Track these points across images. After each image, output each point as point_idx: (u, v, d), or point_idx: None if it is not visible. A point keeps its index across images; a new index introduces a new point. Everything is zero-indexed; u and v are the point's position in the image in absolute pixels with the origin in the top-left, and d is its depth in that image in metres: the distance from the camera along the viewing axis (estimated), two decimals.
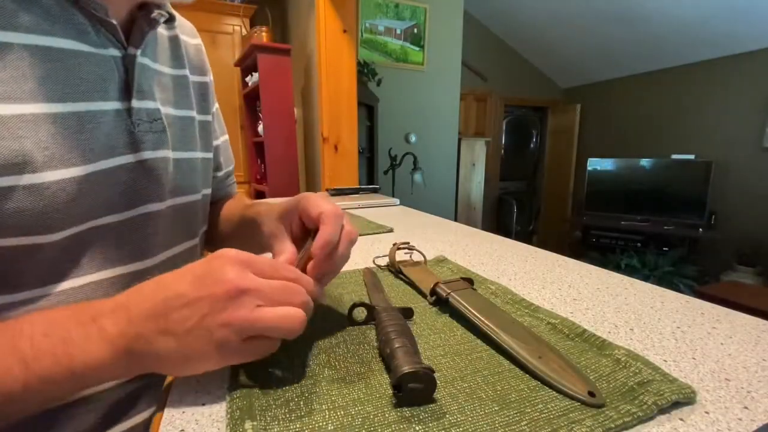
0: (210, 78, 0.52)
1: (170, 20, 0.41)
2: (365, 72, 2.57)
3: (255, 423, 0.24)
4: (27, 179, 0.27)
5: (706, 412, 0.26)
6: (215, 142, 0.54)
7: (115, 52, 0.34)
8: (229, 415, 0.24)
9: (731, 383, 0.29)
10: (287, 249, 0.35)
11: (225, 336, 0.25)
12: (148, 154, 0.36)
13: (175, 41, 0.43)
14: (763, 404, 0.26)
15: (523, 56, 4.62)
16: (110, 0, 0.32)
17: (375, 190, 1.57)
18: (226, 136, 0.60)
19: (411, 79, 2.89)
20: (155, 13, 0.37)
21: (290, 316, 0.26)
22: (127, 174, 0.35)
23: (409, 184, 2.77)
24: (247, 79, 2.43)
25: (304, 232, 0.37)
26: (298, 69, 2.42)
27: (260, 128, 2.25)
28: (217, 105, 0.56)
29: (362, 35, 2.69)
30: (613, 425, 0.23)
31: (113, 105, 0.33)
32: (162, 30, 0.41)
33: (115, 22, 0.33)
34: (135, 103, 0.35)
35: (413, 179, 2.64)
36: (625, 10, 3.23)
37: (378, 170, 2.64)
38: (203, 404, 0.27)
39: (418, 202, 2.70)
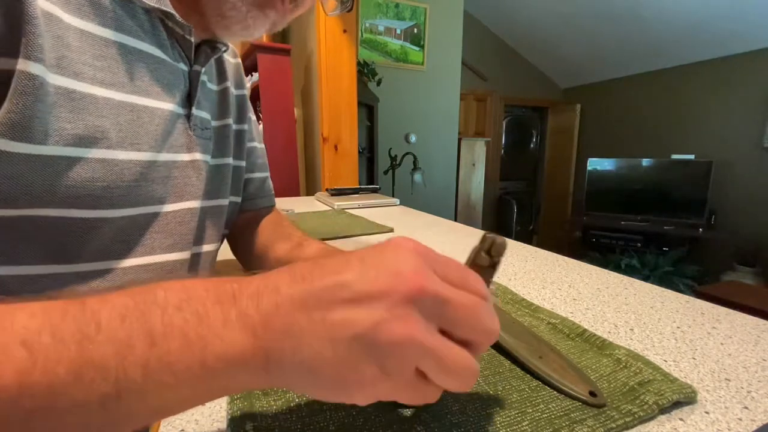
0: (246, 91, 0.57)
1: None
2: (365, 72, 2.57)
3: (256, 423, 0.24)
4: (102, 153, 0.31)
5: (706, 412, 0.26)
6: (250, 145, 0.57)
7: (183, 67, 0.40)
8: (230, 416, 0.24)
9: (731, 383, 0.29)
10: None
11: (403, 356, 0.18)
12: (198, 156, 0.41)
13: (219, 60, 0.50)
14: (763, 404, 0.26)
15: (523, 56, 4.62)
16: (191, 25, 0.38)
17: (375, 190, 1.57)
18: (263, 145, 0.62)
19: (411, 79, 2.89)
20: (220, 44, 0.44)
21: (472, 367, 0.20)
22: (180, 170, 0.39)
23: (409, 184, 2.76)
24: (247, 78, 2.43)
25: None
26: (298, 69, 2.41)
27: (260, 128, 2.25)
28: (252, 116, 0.59)
29: (362, 35, 2.69)
30: (614, 425, 0.24)
31: (178, 109, 0.39)
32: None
33: (192, 40, 0.39)
34: (194, 111, 0.41)
35: (413, 179, 2.64)
36: (625, 10, 3.23)
37: (378, 170, 2.64)
38: (203, 405, 0.27)
39: (418, 202, 2.70)
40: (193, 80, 0.41)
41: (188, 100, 0.40)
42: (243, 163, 0.54)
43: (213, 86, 0.48)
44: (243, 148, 0.54)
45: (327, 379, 0.19)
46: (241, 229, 0.58)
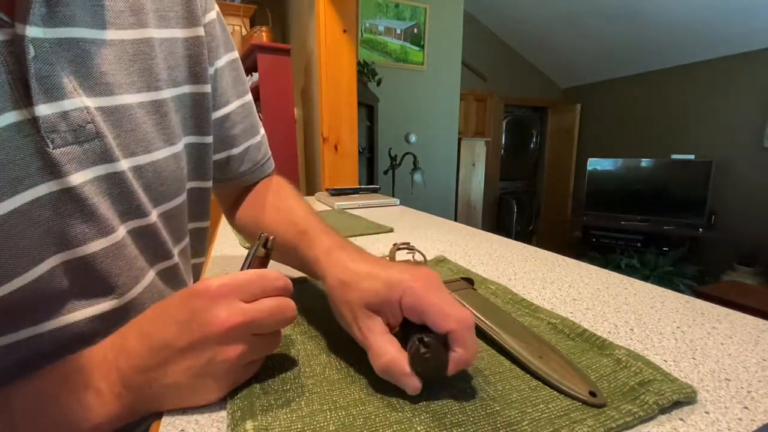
0: (203, 27, 0.37)
1: None
2: (365, 72, 2.57)
3: (256, 423, 0.24)
4: None
5: (706, 412, 0.26)
6: (221, 112, 0.42)
7: None
8: (230, 415, 0.24)
9: (731, 383, 0.29)
10: (389, 349, 0.26)
11: (230, 368, 0.25)
12: (77, 178, 0.27)
13: None
14: (763, 404, 0.26)
15: (523, 56, 4.62)
16: None
17: (375, 190, 1.57)
18: (246, 98, 0.45)
19: (411, 79, 2.89)
20: None
21: (283, 325, 0.28)
22: (49, 209, 0.26)
23: (409, 184, 2.77)
24: (247, 78, 2.43)
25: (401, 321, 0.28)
26: (298, 69, 2.42)
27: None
28: (229, 56, 0.42)
29: (362, 35, 2.69)
30: (614, 425, 0.23)
31: (5, 119, 0.23)
32: None
33: None
34: (42, 109, 0.25)
35: (413, 179, 2.64)
36: (625, 9, 3.23)
37: (378, 170, 2.64)
38: (203, 405, 0.27)
39: (418, 202, 2.70)
40: (18, 54, 0.23)
41: (25, 94, 0.24)
42: (208, 139, 0.40)
43: (99, 34, 0.29)
44: (206, 118, 0.39)
45: (185, 398, 0.25)
46: (233, 201, 0.51)
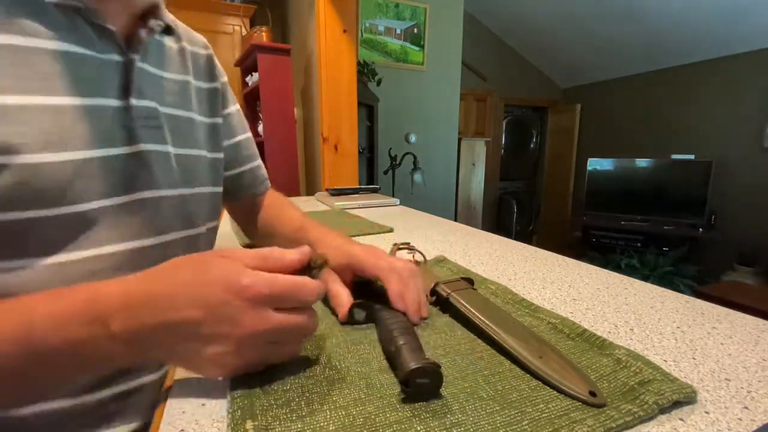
0: (220, 84, 0.56)
1: (168, 31, 0.47)
2: (365, 72, 2.57)
3: (256, 423, 0.24)
4: (26, 158, 0.31)
5: (706, 412, 0.26)
6: (233, 140, 0.59)
7: (116, 58, 0.39)
8: (230, 415, 0.24)
9: (731, 383, 0.29)
10: (343, 294, 0.40)
11: (239, 365, 0.28)
12: (143, 146, 0.40)
13: (182, 52, 0.50)
14: (763, 404, 0.26)
15: (523, 56, 4.62)
16: (107, 11, 0.38)
17: (375, 190, 1.57)
18: (248, 134, 0.63)
19: (411, 79, 2.89)
20: (152, 23, 0.42)
21: (298, 348, 0.31)
22: (123, 163, 0.38)
23: (409, 184, 2.76)
24: (247, 79, 2.43)
25: (353, 279, 0.44)
26: (298, 69, 2.42)
27: (260, 128, 2.25)
28: (236, 107, 0.61)
29: (362, 35, 2.69)
30: (614, 425, 0.24)
31: (112, 102, 0.38)
32: (171, 43, 0.48)
33: (113, 29, 0.38)
34: (133, 102, 0.39)
35: (413, 179, 2.64)
36: (625, 9, 3.23)
37: (378, 170, 2.64)
38: (203, 404, 0.27)
39: (418, 202, 2.70)
40: (128, 70, 0.39)
41: (125, 92, 0.39)
42: (220, 155, 0.54)
43: (170, 75, 0.46)
44: (218, 141, 0.54)
45: (190, 367, 0.28)
46: (245, 213, 0.65)
